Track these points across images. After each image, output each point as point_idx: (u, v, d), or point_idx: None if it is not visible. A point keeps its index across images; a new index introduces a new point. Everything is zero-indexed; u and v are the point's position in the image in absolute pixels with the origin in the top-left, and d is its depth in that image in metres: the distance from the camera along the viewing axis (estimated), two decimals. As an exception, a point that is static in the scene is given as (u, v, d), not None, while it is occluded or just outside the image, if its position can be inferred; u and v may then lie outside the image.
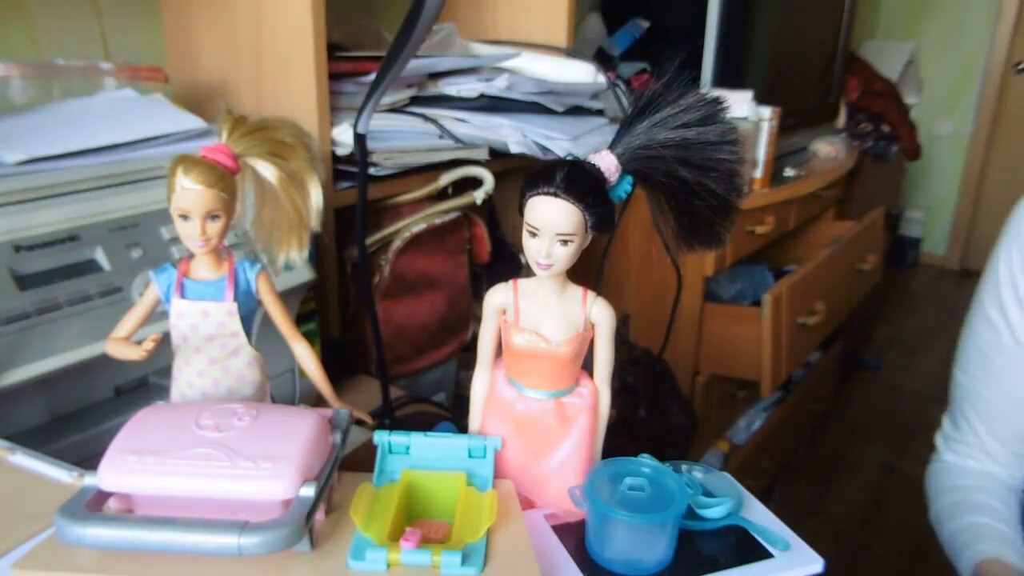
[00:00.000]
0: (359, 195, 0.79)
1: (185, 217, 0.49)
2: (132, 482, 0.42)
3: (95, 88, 0.90)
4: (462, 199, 1.07)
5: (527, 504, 0.55)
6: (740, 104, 1.36)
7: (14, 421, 0.63)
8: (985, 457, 0.80)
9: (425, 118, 1.02)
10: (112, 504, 0.44)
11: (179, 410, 0.48)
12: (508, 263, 1.25)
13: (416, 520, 0.50)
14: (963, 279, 3.58)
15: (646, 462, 0.52)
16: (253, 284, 0.54)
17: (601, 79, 1.22)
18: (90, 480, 0.43)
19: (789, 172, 1.64)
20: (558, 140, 1.03)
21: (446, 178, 1.06)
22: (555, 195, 0.47)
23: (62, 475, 0.51)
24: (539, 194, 0.48)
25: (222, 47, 0.99)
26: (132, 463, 0.42)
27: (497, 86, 1.04)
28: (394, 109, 1.01)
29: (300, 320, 0.88)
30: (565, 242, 0.49)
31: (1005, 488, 0.79)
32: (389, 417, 0.84)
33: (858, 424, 2.25)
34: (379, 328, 0.84)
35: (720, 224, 0.54)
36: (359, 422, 0.58)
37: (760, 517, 0.54)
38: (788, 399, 1.87)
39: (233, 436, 0.45)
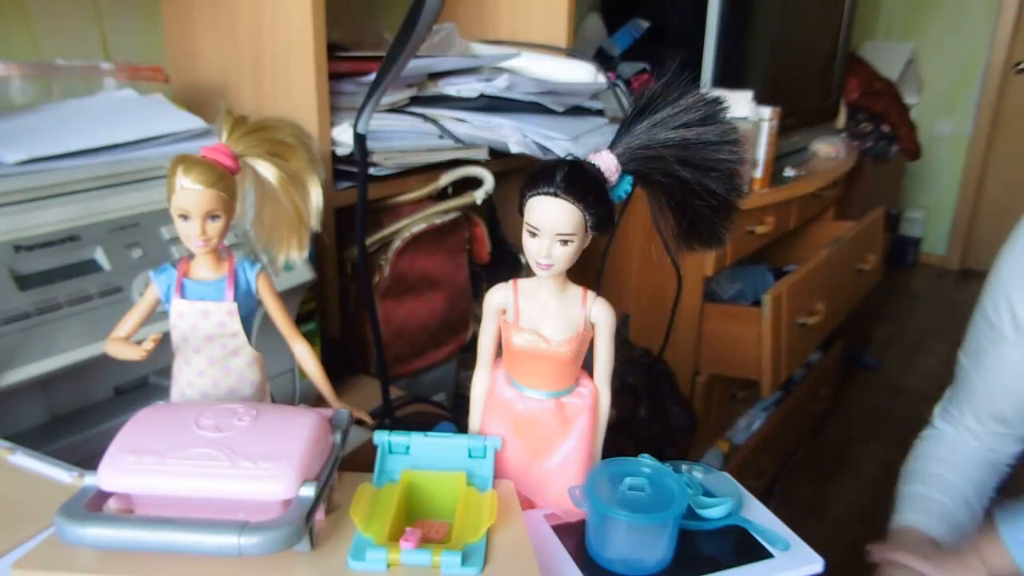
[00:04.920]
0: (359, 195, 0.79)
1: (185, 217, 0.49)
2: (132, 482, 0.42)
3: (95, 88, 0.90)
4: (462, 199, 1.07)
5: (527, 504, 0.55)
6: (740, 104, 1.36)
7: (14, 421, 0.63)
8: (966, 431, 0.89)
9: (425, 118, 1.02)
10: (112, 504, 0.44)
11: (179, 410, 0.48)
12: (508, 263, 1.25)
13: (416, 520, 0.50)
14: (963, 279, 3.57)
15: (646, 462, 0.52)
16: (253, 284, 0.54)
17: (601, 79, 1.22)
18: (90, 480, 0.43)
19: (789, 172, 1.64)
20: (558, 140, 1.03)
21: (446, 178, 1.06)
22: (555, 195, 0.47)
23: (62, 475, 0.51)
24: (539, 194, 0.48)
25: (222, 47, 0.99)
26: (132, 463, 0.42)
27: (497, 86, 1.04)
28: (394, 109, 1.01)
29: (300, 320, 0.88)
30: (565, 242, 0.49)
31: (978, 461, 0.87)
32: (389, 417, 0.84)
33: (858, 424, 2.25)
34: (379, 328, 0.84)
35: (720, 224, 0.54)
36: (359, 422, 0.58)
37: (760, 517, 0.54)
38: (788, 399, 1.87)
39: (233, 436, 0.45)
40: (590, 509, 0.49)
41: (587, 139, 1.08)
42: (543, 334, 0.52)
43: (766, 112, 1.41)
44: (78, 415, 0.67)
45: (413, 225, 1.03)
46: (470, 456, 0.53)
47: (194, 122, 0.83)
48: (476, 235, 1.17)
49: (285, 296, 0.64)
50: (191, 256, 0.53)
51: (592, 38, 1.61)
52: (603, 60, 1.33)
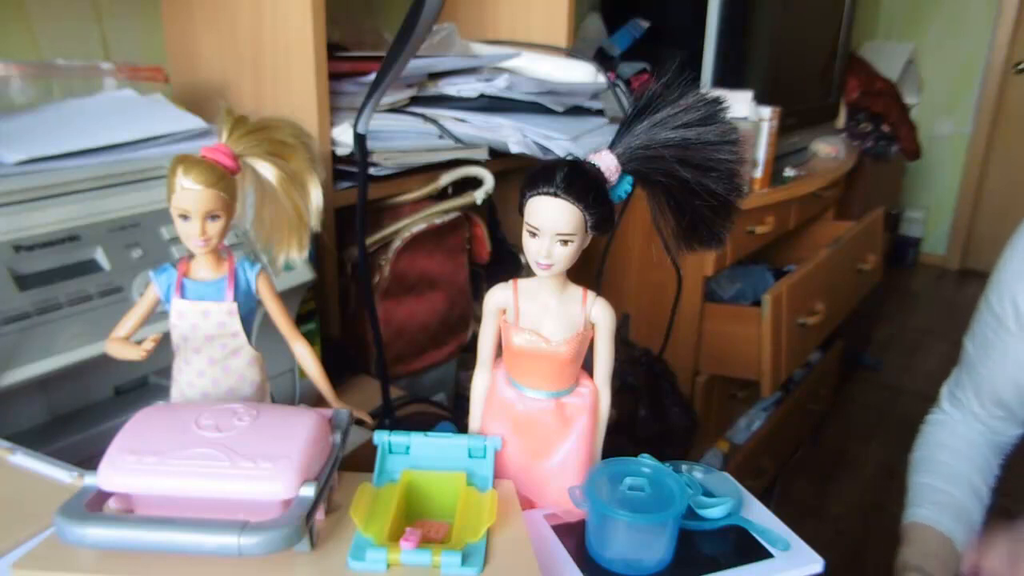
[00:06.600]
0: (359, 195, 0.79)
1: (185, 217, 0.49)
2: (132, 482, 0.42)
3: (95, 88, 0.90)
4: (462, 199, 1.07)
5: (527, 504, 0.55)
6: (740, 104, 1.36)
7: (14, 421, 0.63)
8: (971, 415, 0.92)
9: (425, 118, 1.02)
10: (112, 504, 0.44)
11: (179, 410, 0.48)
12: (508, 263, 1.25)
13: (416, 520, 0.50)
14: (963, 279, 3.57)
15: (646, 462, 0.52)
16: (253, 284, 0.54)
17: (601, 79, 1.22)
18: (90, 480, 0.43)
19: (789, 172, 1.64)
20: (558, 140, 1.03)
21: (446, 178, 1.06)
22: (555, 195, 0.47)
23: (62, 475, 0.51)
24: (539, 194, 0.48)
25: (222, 47, 0.99)
26: (132, 463, 0.42)
27: (497, 86, 1.04)
28: (394, 109, 1.01)
29: (300, 320, 0.88)
30: (565, 242, 0.49)
31: (982, 443, 0.91)
32: (389, 417, 0.84)
33: (858, 424, 2.25)
34: (379, 328, 0.84)
35: (720, 224, 0.54)
36: (359, 422, 0.58)
37: (760, 517, 0.54)
38: (788, 399, 1.87)
39: (233, 436, 0.45)
40: (590, 509, 0.49)
41: (587, 139, 1.08)
42: (543, 334, 0.52)
43: (766, 112, 1.41)
44: (78, 415, 0.67)
45: (413, 225, 1.03)
46: (470, 456, 0.53)
47: (194, 122, 0.83)
48: (476, 235, 1.17)
49: (285, 296, 0.64)
50: (191, 256, 0.53)
51: (592, 38, 1.61)
52: (603, 60, 1.33)
